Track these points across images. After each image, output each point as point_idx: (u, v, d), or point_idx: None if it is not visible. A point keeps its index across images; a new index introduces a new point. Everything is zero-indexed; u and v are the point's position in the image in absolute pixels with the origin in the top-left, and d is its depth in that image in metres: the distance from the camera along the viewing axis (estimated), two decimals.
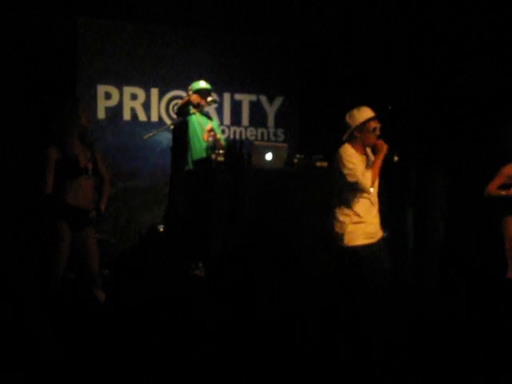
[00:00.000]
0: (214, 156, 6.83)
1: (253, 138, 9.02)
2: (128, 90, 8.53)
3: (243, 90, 9.03)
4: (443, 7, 8.14)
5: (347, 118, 5.58)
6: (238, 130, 9.03)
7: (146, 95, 8.60)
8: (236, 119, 9.05)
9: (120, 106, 8.51)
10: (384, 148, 5.51)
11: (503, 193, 6.52)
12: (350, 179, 5.42)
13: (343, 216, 5.57)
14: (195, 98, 7.39)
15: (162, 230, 7.62)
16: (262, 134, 9.16)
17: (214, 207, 6.64)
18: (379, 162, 5.50)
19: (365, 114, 5.55)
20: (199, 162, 7.12)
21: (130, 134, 8.42)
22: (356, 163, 5.48)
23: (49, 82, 7.74)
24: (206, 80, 7.60)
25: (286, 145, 7.40)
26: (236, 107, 9.04)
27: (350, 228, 5.54)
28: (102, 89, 8.41)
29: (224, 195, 6.65)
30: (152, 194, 8.34)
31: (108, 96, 8.44)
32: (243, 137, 9.01)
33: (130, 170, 8.43)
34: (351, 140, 5.56)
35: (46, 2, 7.78)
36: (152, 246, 7.52)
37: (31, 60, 7.74)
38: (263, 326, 4.93)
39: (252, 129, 9.11)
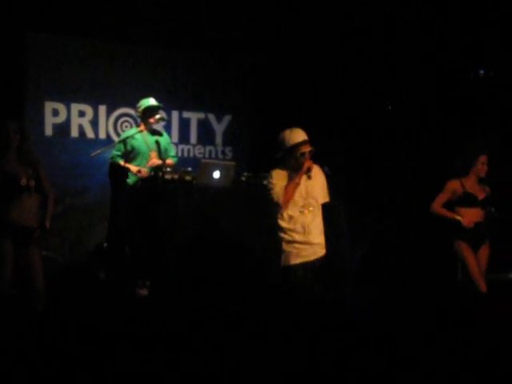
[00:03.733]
0: (160, 173, 6.84)
1: (201, 155, 9.03)
2: (76, 107, 8.48)
3: (191, 107, 9.05)
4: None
5: (280, 138, 5.65)
6: (186, 147, 9.03)
7: (93, 112, 8.56)
8: (184, 137, 9.06)
9: (67, 122, 8.44)
10: (304, 167, 5.60)
11: (448, 215, 6.61)
12: (269, 197, 5.62)
13: (279, 234, 5.69)
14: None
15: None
16: (210, 151, 9.18)
17: (158, 224, 6.66)
18: (296, 180, 5.60)
19: (294, 138, 5.60)
20: (144, 179, 7.12)
21: (78, 151, 8.36)
22: (275, 182, 5.62)
23: None
24: (155, 97, 7.62)
25: (233, 163, 7.45)
26: (184, 125, 9.05)
27: (284, 247, 5.65)
28: (49, 105, 8.35)
29: (168, 212, 6.67)
30: (99, 212, 8.28)
31: (55, 113, 8.38)
32: (191, 155, 9.04)
33: (78, 187, 8.38)
34: (282, 160, 5.69)
35: None
36: (98, 264, 7.47)
37: None
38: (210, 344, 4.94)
39: (200, 147, 9.12)
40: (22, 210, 5.57)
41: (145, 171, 7.20)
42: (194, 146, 9.11)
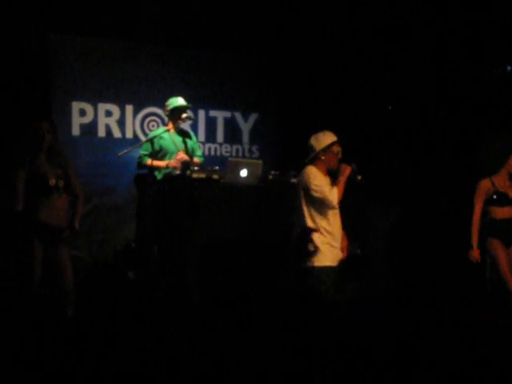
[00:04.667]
0: (188, 172, 6.84)
1: (228, 154, 9.02)
2: (102, 107, 8.51)
3: (218, 106, 9.05)
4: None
5: (312, 140, 5.83)
6: (212, 146, 9.04)
7: (120, 112, 8.59)
8: (211, 136, 9.05)
9: (95, 122, 8.48)
10: (347, 170, 5.79)
11: (473, 236, 6.49)
12: (317, 195, 5.67)
13: (316, 234, 5.69)
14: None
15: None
16: (237, 150, 9.18)
17: (185, 223, 6.66)
18: (344, 180, 5.76)
19: (330, 137, 5.81)
20: (171, 178, 7.12)
21: (105, 151, 8.40)
22: (321, 182, 5.70)
23: (23, 99, 7.71)
24: (181, 96, 7.60)
25: (260, 161, 7.42)
26: (211, 124, 9.05)
27: (321, 248, 5.66)
28: (76, 105, 8.39)
29: (195, 211, 6.67)
30: (127, 211, 8.30)
31: (82, 113, 8.42)
32: (218, 153, 9.04)
33: (105, 186, 8.41)
34: (314, 162, 5.80)
35: (18, 19, 7.77)
36: (126, 264, 7.49)
37: (4, 77, 7.71)
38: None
39: (227, 145, 9.12)
40: (51, 210, 5.59)
41: (175, 161, 7.18)
42: (220, 144, 9.10)
